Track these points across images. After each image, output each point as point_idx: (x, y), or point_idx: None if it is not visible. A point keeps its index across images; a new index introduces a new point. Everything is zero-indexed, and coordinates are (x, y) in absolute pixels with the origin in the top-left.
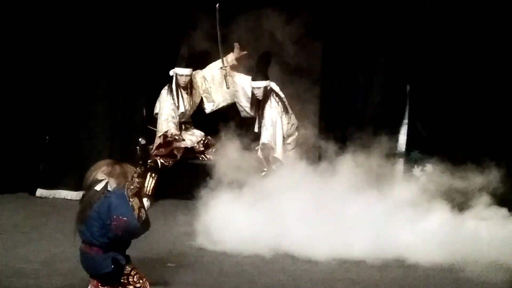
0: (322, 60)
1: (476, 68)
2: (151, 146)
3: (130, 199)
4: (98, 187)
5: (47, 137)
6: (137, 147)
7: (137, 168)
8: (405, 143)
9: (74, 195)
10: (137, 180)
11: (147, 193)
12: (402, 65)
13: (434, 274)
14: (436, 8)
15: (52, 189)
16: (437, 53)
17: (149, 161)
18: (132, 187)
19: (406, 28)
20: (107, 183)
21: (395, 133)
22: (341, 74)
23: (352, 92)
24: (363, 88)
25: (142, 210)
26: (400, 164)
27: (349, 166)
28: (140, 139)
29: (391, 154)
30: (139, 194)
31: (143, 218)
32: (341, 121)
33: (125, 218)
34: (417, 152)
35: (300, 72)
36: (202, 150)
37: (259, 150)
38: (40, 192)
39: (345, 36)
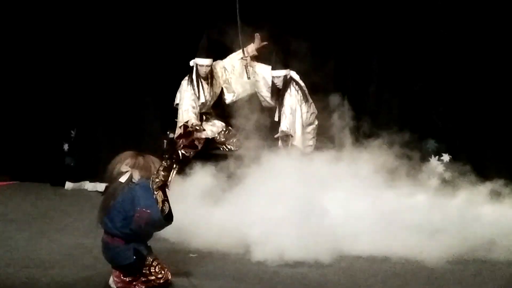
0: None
1: (487, 60)
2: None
3: (155, 192)
4: (123, 179)
5: (72, 131)
6: (165, 141)
7: (163, 162)
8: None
9: (99, 186)
10: (163, 174)
11: (168, 183)
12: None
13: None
14: (447, 4)
15: (78, 181)
16: (450, 48)
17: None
18: (157, 180)
19: (417, 29)
20: (131, 175)
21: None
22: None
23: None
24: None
25: (166, 204)
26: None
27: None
28: (168, 132)
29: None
30: (163, 187)
31: (166, 212)
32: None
33: (148, 211)
34: (433, 142)
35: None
36: (223, 140)
37: (279, 138)
38: (67, 185)
39: (356, 46)
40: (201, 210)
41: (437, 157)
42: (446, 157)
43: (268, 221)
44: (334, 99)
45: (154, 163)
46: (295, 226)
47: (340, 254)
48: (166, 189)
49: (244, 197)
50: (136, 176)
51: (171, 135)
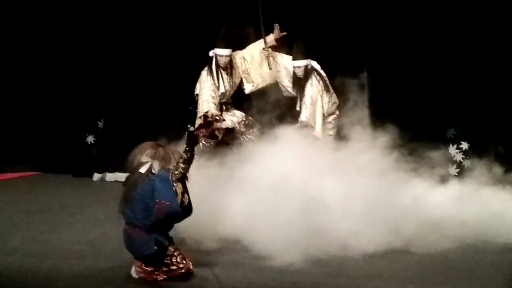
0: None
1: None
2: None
3: (174, 184)
4: (143, 170)
5: (99, 122)
6: (186, 132)
7: (183, 154)
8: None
9: (119, 177)
10: (182, 166)
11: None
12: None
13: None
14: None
15: (104, 172)
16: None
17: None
18: (176, 172)
19: (439, 15)
20: (151, 165)
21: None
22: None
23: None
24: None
25: (185, 195)
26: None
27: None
28: (189, 125)
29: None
30: (183, 179)
31: (186, 204)
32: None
33: (167, 203)
34: (453, 130)
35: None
36: (243, 130)
37: (298, 128)
38: (96, 176)
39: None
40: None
41: (455, 145)
42: (465, 145)
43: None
44: (353, 85)
45: (174, 154)
46: (303, 220)
47: (354, 245)
48: (186, 181)
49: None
50: (156, 167)
51: (191, 128)
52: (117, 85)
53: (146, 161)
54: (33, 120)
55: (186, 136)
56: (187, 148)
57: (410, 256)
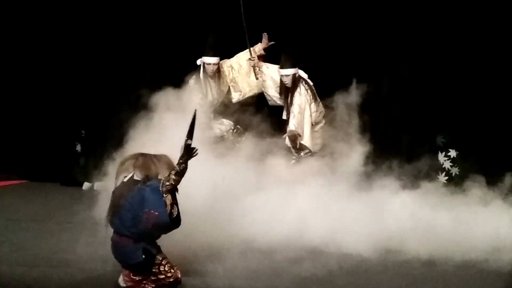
0: None
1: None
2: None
3: (164, 195)
4: (125, 179)
5: (82, 131)
6: (182, 146)
7: (176, 166)
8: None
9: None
10: (174, 178)
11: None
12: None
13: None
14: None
15: (92, 181)
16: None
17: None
18: (167, 183)
19: (428, 23)
20: (133, 174)
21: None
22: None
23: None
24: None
25: (175, 207)
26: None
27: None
28: (186, 139)
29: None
30: (173, 191)
31: (174, 215)
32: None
33: (156, 213)
34: (442, 137)
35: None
36: (232, 139)
37: (286, 137)
38: (85, 185)
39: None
40: None
41: (444, 153)
42: (453, 153)
43: None
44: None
45: (156, 163)
46: None
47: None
48: (176, 193)
49: None
50: (139, 176)
51: (189, 142)
52: (103, 94)
53: (128, 172)
54: (21, 129)
55: (182, 148)
56: (181, 161)
57: (398, 265)
